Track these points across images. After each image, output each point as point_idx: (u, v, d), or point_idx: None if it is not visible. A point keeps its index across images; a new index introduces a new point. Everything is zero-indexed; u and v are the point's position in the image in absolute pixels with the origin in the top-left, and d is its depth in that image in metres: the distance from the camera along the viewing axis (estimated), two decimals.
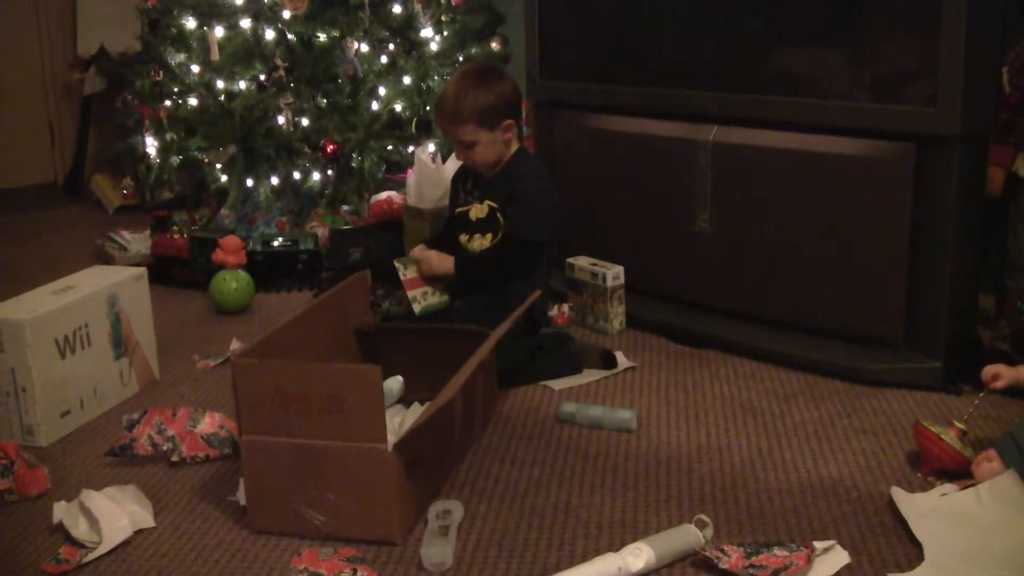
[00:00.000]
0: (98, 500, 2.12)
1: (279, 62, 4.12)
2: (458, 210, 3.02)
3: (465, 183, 3.05)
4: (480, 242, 2.94)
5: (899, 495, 2.09)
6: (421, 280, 2.92)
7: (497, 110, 2.86)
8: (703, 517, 1.99)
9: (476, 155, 2.90)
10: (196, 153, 4.29)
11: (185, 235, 3.96)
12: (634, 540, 1.93)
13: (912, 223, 2.62)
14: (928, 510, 2.03)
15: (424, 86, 4.32)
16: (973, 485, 2.08)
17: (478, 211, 2.94)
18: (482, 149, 2.89)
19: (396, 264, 2.93)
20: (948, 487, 2.13)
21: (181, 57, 4.34)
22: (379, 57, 4.25)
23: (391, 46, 4.29)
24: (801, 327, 2.89)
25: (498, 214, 2.90)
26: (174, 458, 2.37)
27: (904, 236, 2.63)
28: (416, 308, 2.88)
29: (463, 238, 2.98)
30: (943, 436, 2.17)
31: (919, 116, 2.56)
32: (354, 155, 4.16)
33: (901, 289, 2.66)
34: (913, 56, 2.59)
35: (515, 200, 2.88)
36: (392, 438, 1.98)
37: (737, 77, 2.95)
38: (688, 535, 1.95)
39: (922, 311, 2.67)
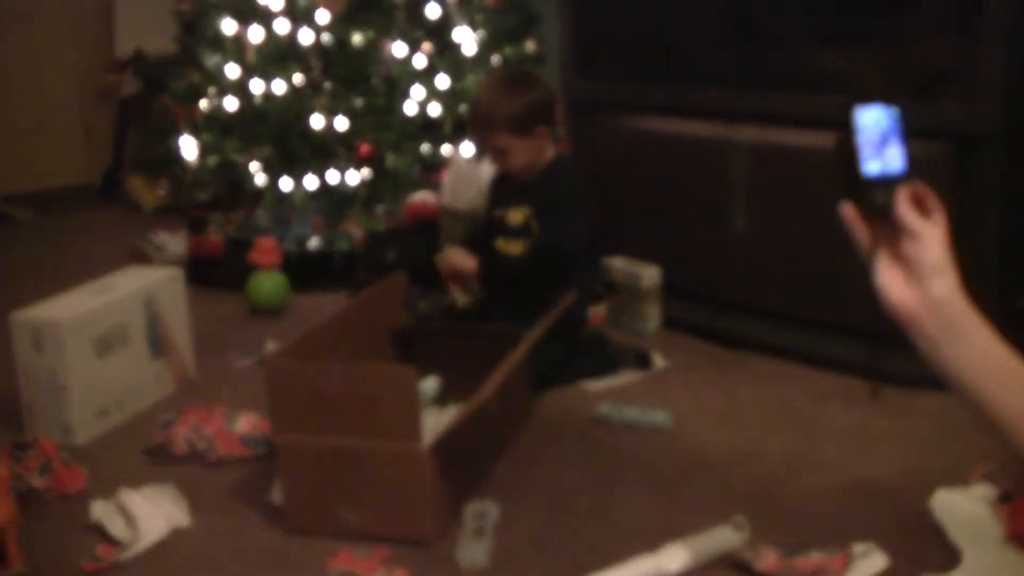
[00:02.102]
0: (135, 499, 2.13)
1: (315, 63, 4.13)
2: (496, 212, 3.02)
3: (503, 186, 3.05)
4: (515, 246, 2.94)
5: (938, 499, 2.06)
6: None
7: (529, 117, 2.85)
8: (739, 518, 1.98)
9: (509, 162, 2.90)
10: (232, 154, 4.31)
11: (221, 236, 3.98)
12: (670, 541, 1.92)
13: (953, 223, 2.59)
14: (967, 513, 2.01)
15: (459, 87, 4.32)
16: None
17: (515, 216, 2.94)
18: (515, 156, 2.88)
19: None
20: (987, 488, 2.11)
21: (217, 58, 4.35)
22: (413, 58, 4.25)
23: (426, 47, 4.30)
24: (838, 328, 2.87)
25: (534, 220, 2.91)
26: (210, 458, 2.38)
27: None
28: (460, 300, 2.89)
29: (500, 242, 2.98)
30: None
31: (959, 114, 2.53)
32: (389, 156, 4.16)
33: None
34: (953, 53, 2.57)
35: (550, 208, 2.87)
36: (428, 439, 1.98)
37: (773, 76, 2.93)
38: (724, 537, 1.95)
39: None
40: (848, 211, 1.33)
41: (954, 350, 1.24)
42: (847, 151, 1.31)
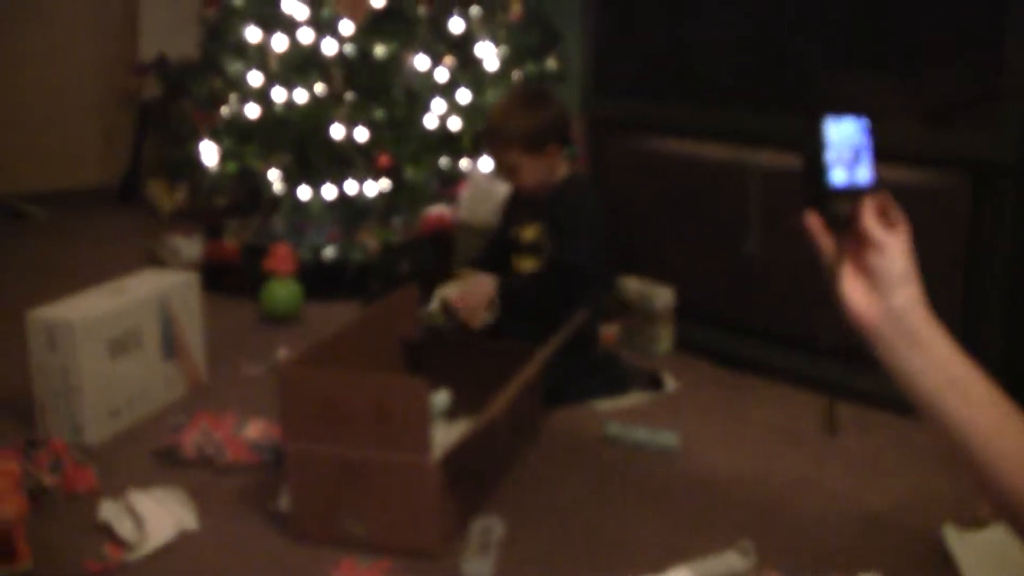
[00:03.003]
0: (144, 501, 2.14)
1: (336, 74, 4.14)
2: (510, 229, 3.03)
3: (517, 204, 3.05)
4: (528, 263, 2.95)
5: (950, 533, 2.06)
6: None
7: (542, 134, 2.86)
8: (745, 544, 1.98)
9: (520, 179, 2.91)
10: (251, 161, 4.32)
11: (237, 242, 3.99)
12: (675, 565, 1.92)
13: (967, 254, 2.60)
14: (979, 549, 2.01)
15: (480, 102, 4.33)
16: None
17: (528, 233, 2.95)
18: (526, 173, 2.89)
19: (441, 296, 2.94)
20: (1000, 529, 2.10)
21: (239, 66, 4.37)
22: (435, 72, 4.26)
23: (448, 61, 4.31)
24: (851, 355, 2.86)
25: (545, 237, 2.91)
26: (219, 462, 2.39)
27: (959, 267, 2.60)
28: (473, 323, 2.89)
29: (514, 259, 2.99)
30: None
31: (977, 144, 2.53)
32: (408, 168, 4.17)
33: (956, 322, 2.63)
34: (973, 81, 2.57)
35: (562, 227, 2.88)
36: (437, 452, 1.98)
37: (792, 99, 2.93)
38: (730, 562, 1.95)
39: (976, 346, 2.63)
40: (812, 221, 1.34)
41: (914, 361, 1.25)
42: (815, 161, 1.32)
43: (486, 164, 4.12)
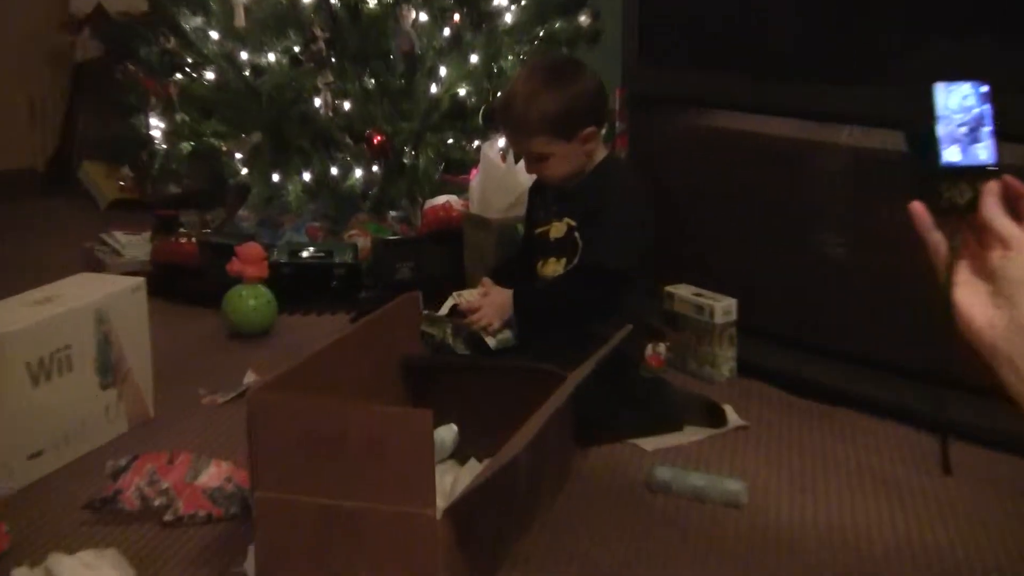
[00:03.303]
0: (69, 566, 2.11)
1: (319, 32, 4.15)
2: (537, 230, 3.02)
3: (543, 196, 3.06)
4: (554, 267, 2.95)
5: None
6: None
7: (574, 116, 2.87)
8: None
9: (549, 169, 2.92)
10: (212, 140, 4.33)
11: (195, 240, 3.99)
12: None
13: None
14: None
15: (495, 68, 4.33)
16: None
17: (557, 230, 2.95)
18: (556, 163, 2.90)
19: (455, 301, 2.94)
20: None
21: (198, 21, 4.38)
22: (441, 30, 4.26)
23: (456, 17, 4.31)
24: (959, 383, 2.83)
25: (576, 234, 2.91)
26: (168, 516, 2.37)
27: None
28: (491, 342, 2.88)
29: (539, 263, 2.99)
30: None
31: None
32: (406, 150, 4.17)
33: None
34: None
35: (597, 219, 2.88)
36: (442, 501, 1.96)
37: (876, 67, 2.92)
38: None
39: None
40: (918, 209, 1.32)
41: None
42: (924, 137, 1.30)
43: (501, 144, 4.11)
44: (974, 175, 1.28)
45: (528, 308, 2.87)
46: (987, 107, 1.30)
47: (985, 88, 1.32)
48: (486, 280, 3.03)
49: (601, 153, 2.98)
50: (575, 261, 2.91)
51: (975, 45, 2.76)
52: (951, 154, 1.29)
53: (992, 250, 1.26)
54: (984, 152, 1.28)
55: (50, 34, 5.83)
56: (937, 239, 1.32)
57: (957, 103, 1.30)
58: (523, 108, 2.88)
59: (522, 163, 3.52)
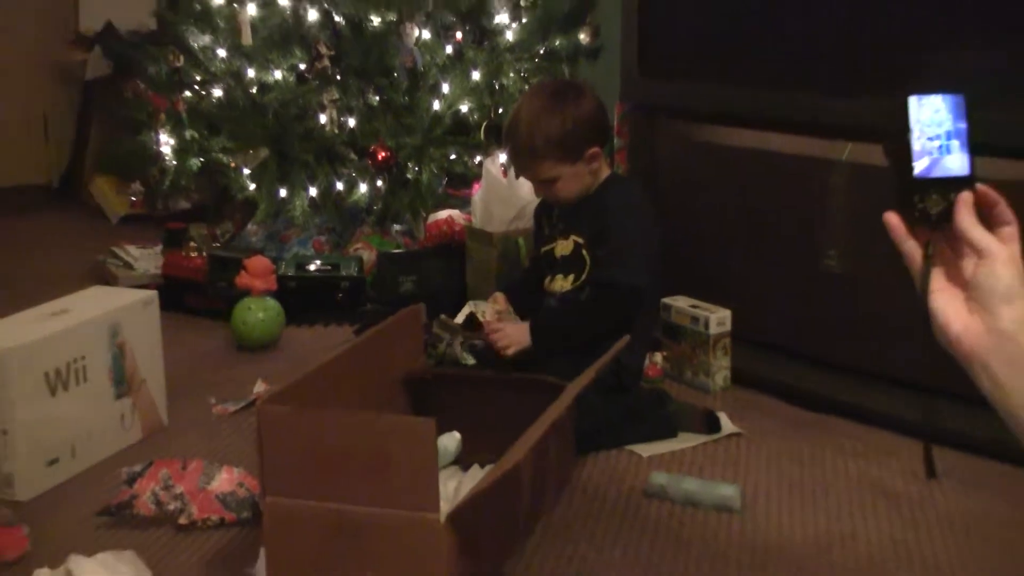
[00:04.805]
0: (89, 567, 2.13)
1: (323, 50, 4.16)
2: (543, 249, 3.06)
3: (549, 215, 3.08)
4: (561, 284, 2.98)
5: None
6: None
7: (578, 137, 2.90)
8: None
9: (558, 192, 2.94)
10: (220, 156, 4.34)
11: (204, 253, 4.01)
12: None
13: None
14: None
15: (496, 84, 4.34)
16: None
17: (563, 248, 2.97)
18: (564, 184, 2.92)
19: (471, 309, 2.96)
20: None
21: (205, 40, 4.39)
22: (444, 47, 4.27)
23: (458, 34, 4.32)
24: (952, 393, 2.84)
25: (584, 251, 2.94)
26: (182, 520, 2.39)
27: None
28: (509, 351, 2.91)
29: (547, 280, 3.02)
30: None
31: None
32: (410, 164, 4.18)
33: None
34: None
35: (606, 238, 2.91)
36: (446, 507, 1.99)
37: (877, 82, 2.92)
38: None
39: None
40: (892, 220, 1.32)
41: (1023, 393, 1.23)
42: (899, 148, 1.31)
43: (503, 159, 4.13)
44: (947, 186, 1.29)
45: (546, 341, 2.89)
46: (961, 119, 1.31)
47: (959, 100, 1.33)
48: (499, 296, 3.05)
49: (605, 171, 3.00)
50: (583, 277, 2.94)
51: (976, 58, 2.78)
52: (923, 165, 1.29)
53: (966, 259, 1.27)
54: (956, 163, 1.29)
55: (61, 52, 5.82)
56: (912, 248, 1.32)
57: (929, 115, 1.31)
58: (527, 134, 2.91)
59: (523, 178, 3.56)
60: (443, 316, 2.98)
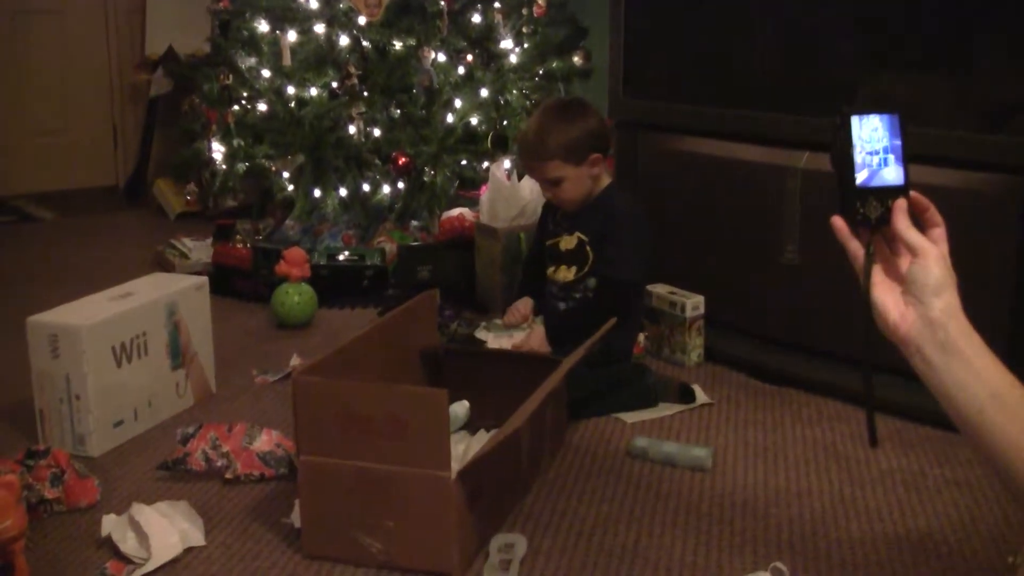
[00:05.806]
0: (148, 515, 2.13)
1: (352, 70, 4.14)
2: (548, 242, 3.04)
3: (554, 215, 3.06)
4: (565, 273, 2.97)
5: None
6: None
7: (583, 143, 2.88)
8: (779, 565, 1.97)
9: (563, 192, 2.92)
10: (263, 161, 4.33)
11: (248, 245, 4.00)
12: None
13: (1017, 261, 2.57)
14: None
15: (502, 100, 4.33)
16: None
17: (567, 242, 2.96)
18: (569, 185, 2.90)
19: (490, 332, 3.00)
20: None
21: (252, 61, 4.38)
22: (456, 68, 4.26)
23: (469, 57, 4.31)
24: (892, 368, 2.83)
25: (588, 247, 2.93)
26: (228, 475, 2.39)
27: (1009, 275, 2.58)
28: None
29: (550, 269, 3.00)
30: None
31: None
32: (426, 169, 4.17)
33: (1005, 332, 2.59)
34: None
35: (609, 239, 2.90)
36: (456, 465, 1.97)
37: (831, 101, 2.88)
38: None
39: None
40: (838, 223, 1.33)
41: (952, 374, 1.24)
42: (841, 160, 1.32)
43: (507, 164, 4.12)
44: (885, 194, 1.29)
45: (563, 342, 2.82)
46: (897, 136, 1.32)
47: (895, 119, 1.34)
48: (516, 309, 3.05)
49: (606, 180, 2.98)
50: (585, 269, 2.94)
51: (917, 80, 2.78)
52: (864, 176, 1.30)
53: (902, 257, 1.27)
54: (893, 175, 1.30)
55: (129, 73, 5.84)
56: (855, 247, 1.33)
57: (869, 133, 1.32)
58: (538, 139, 2.90)
59: (525, 180, 3.55)
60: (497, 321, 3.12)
